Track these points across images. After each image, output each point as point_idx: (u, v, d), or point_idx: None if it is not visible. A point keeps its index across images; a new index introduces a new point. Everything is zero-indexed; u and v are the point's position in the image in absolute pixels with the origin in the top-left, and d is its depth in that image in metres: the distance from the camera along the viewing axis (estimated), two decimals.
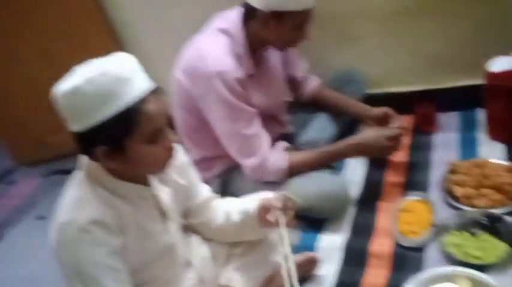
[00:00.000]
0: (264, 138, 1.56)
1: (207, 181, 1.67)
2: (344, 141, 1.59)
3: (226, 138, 1.54)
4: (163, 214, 1.14)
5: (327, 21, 1.96)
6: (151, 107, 0.97)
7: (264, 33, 1.48)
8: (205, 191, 1.33)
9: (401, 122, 1.63)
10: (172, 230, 1.16)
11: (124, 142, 0.96)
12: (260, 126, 1.55)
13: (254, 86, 1.57)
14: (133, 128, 0.96)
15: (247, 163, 1.54)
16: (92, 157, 0.99)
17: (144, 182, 1.09)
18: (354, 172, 1.76)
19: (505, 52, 1.64)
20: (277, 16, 1.43)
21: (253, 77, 1.57)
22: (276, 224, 1.15)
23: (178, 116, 1.67)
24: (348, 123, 1.92)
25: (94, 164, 1.02)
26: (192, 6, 2.07)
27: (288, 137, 1.82)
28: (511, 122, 1.65)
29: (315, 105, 1.89)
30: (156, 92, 0.99)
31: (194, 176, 1.29)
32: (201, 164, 1.70)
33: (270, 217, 1.16)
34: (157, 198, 1.12)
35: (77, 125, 0.96)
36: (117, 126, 0.94)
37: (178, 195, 1.21)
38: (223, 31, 1.51)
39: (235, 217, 1.25)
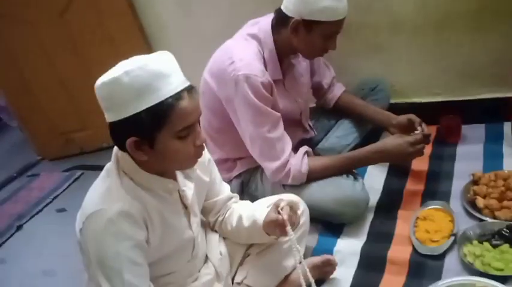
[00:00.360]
0: (287, 142, 1.57)
1: (226, 182, 1.71)
2: (366, 148, 1.59)
3: (250, 141, 1.57)
4: (186, 208, 1.17)
5: (356, 31, 1.98)
6: (184, 103, 0.99)
7: (293, 41, 1.51)
8: (226, 190, 1.35)
9: (426, 128, 1.62)
10: (195, 225, 1.19)
11: (155, 135, 0.99)
12: (283, 130, 1.57)
13: (280, 91, 1.60)
14: (165, 123, 0.98)
15: (270, 166, 1.56)
16: (124, 148, 1.02)
17: (171, 177, 1.12)
18: (374, 179, 1.76)
19: None
20: (308, 25, 1.46)
21: (280, 82, 1.60)
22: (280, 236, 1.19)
23: (203, 117, 1.71)
24: (370, 131, 1.93)
25: (125, 156, 1.05)
26: (222, 12, 2.13)
27: (311, 142, 1.84)
28: None
29: (339, 111, 1.90)
30: (191, 91, 1.02)
31: (217, 174, 1.32)
32: (222, 165, 1.74)
33: (274, 233, 1.19)
34: (182, 192, 1.15)
35: (112, 116, 0.99)
36: (150, 119, 0.97)
37: (201, 191, 1.24)
38: (253, 36, 1.55)
39: (246, 222, 1.27)
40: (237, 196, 1.39)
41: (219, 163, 1.73)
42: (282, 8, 1.50)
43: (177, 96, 0.98)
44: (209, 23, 2.18)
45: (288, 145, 1.57)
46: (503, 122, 1.84)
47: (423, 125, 1.63)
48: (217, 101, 1.58)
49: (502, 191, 1.46)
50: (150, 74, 0.96)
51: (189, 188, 1.17)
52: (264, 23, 1.56)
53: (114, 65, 1.01)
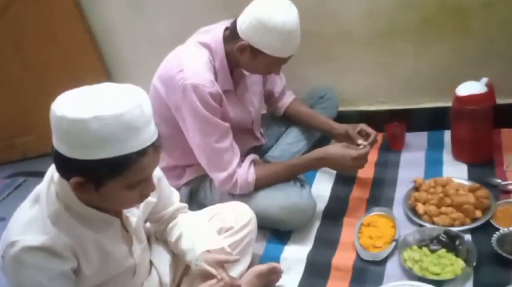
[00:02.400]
0: (235, 153, 1.57)
1: (176, 189, 1.69)
2: (310, 155, 1.61)
3: (198, 150, 1.55)
4: (129, 237, 1.12)
5: (306, 40, 1.98)
6: (147, 159, 0.94)
7: (239, 58, 1.50)
8: (175, 202, 1.33)
9: (372, 135, 1.68)
10: (137, 252, 1.15)
11: (105, 182, 0.93)
12: (232, 141, 1.56)
13: (232, 100, 1.59)
14: (121, 174, 0.92)
15: (217, 176, 1.55)
16: (65, 177, 0.95)
17: (112, 211, 1.06)
18: (322, 186, 1.79)
19: (472, 78, 1.70)
20: (254, 52, 1.45)
21: (231, 92, 1.59)
22: None
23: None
24: (320, 138, 1.96)
25: (63, 182, 0.97)
26: (174, 16, 2.10)
27: (261, 150, 1.85)
28: (474, 143, 1.71)
29: (288, 119, 1.92)
30: (156, 146, 0.96)
31: (166, 190, 1.28)
32: (171, 172, 1.71)
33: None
34: (125, 219, 1.10)
35: (65, 150, 0.91)
36: (106, 168, 0.91)
37: (147, 210, 1.21)
38: (205, 45, 1.53)
39: (184, 243, 1.25)
40: (185, 206, 1.37)
41: (168, 170, 1.71)
42: (237, 23, 1.47)
43: (142, 152, 0.92)
44: (161, 27, 2.15)
45: (236, 155, 1.57)
46: (444, 130, 1.92)
47: (369, 130, 1.69)
48: (166, 108, 1.56)
49: (441, 197, 1.52)
50: (121, 126, 0.88)
51: (133, 215, 1.12)
52: (216, 32, 1.54)
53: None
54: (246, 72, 1.64)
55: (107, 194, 0.95)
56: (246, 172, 1.56)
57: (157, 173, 1.19)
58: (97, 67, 2.28)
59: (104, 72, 2.31)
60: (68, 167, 0.93)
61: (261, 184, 1.57)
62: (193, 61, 1.49)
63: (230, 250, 1.29)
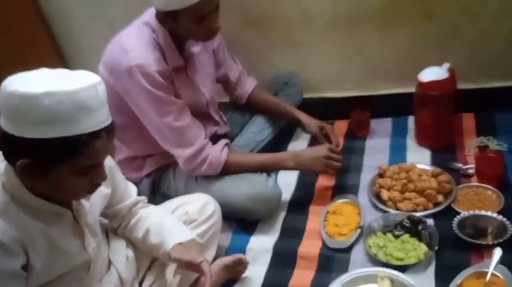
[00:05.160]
0: (199, 128, 1.53)
1: (136, 181, 1.64)
2: (284, 156, 1.60)
3: (157, 132, 1.50)
4: (81, 231, 1.07)
5: (269, 24, 1.98)
6: (100, 143, 0.90)
7: (172, 30, 1.44)
8: (132, 194, 1.28)
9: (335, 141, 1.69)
10: (92, 246, 1.09)
11: (54, 165, 0.88)
12: (191, 117, 1.52)
13: (183, 80, 1.54)
14: (72, 157, 0.88)
15: (183, 153, 1.50)
16: (12, 160, 0.90)
17: (61, 201, 1.00)
18: (288, 174, 1.77)
19: (435, 63, 1.71)
20: (170, 15, 1.39)
21: (182, 70, 1.53)
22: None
23: None
24: (284, 126, 1.94)
25: (10, 169, 0.92)
26: (129, 2, 2.01)
27: (226, 137, 1.81)
28: (437, 129, 1.73)
29: (252, 108, 1.89)
30: (110, 130, 0.92)
31: (121, 180, 1.23)
32: (130, 164, 1.66)
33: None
34: (76, 213, 1.04)
35: (11, 128, 0.86)
36: (56, 149, 0.86)
37: (101, 204, 1.15)
38: (146, 24, 1.48)
39: (153, 238, 1.20)
40: (144, 199, 1.32)
41: (127, 162, 1.66)
42: None
43: (95, 134, 0.88)
44: (115, 12, 2.06)
45: (201, 131, 1.53)
46: (408, 116, 1.93)
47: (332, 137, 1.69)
48: (115, 95, 1.48)
49: (404, 183, 1.53)
50: (75, 104, 0.85)
51: (85, 207, 1.06)
52: (153, 10, 1.47)
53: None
54: (195, 51, 1.58)
55: (55, 180, 0.90)
56: (220, 151, 1.53)
57: (110, 162, 1.14)
58: (52, 55, 2.18)
59: (60, 60, 2.21)
60: (15, 148, 0.88)
61: (229, 169, 1.54)
62: (135, 42, 1.43)
63: (201, 240, 1.26)
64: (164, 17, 1.41)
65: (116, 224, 1.26)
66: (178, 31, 1.45)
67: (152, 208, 1.30)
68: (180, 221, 1.30)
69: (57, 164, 0.88)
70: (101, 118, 0.90)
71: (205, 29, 1.44)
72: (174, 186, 1.63)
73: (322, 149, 1.56)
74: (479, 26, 1.80)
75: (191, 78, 1.59)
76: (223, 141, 1.58)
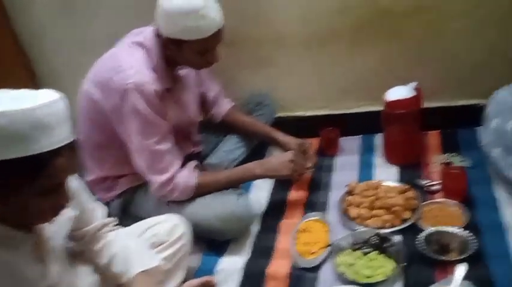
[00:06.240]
0: (176, 155, 1.54)
1: (107, 202, 1.63)
2: (251, 165, 1.62)
3: (136, 153, 1.50)
4: (44, 256, 1.03)
5: (242, 45, 2.01)
6: (61, 161, 0.87)
7: (173, 55, 1.48)
8: (99, 216, 1.25)
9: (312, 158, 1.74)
10: (53, 272, 1.05)
11: (12, 188, 0.85)
12: (173, 143, 1.53)
13: (170, 101, 1.56)
14: (32, 178, 0.85)
15: (156, 179, 1.50)
16: None
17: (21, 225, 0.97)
18: (260, 192, 1.78)
19: (402, 82, 1.76)
20: (176, 43, 1.43)
21: (170, 92, 1.55)
22: None
23: (83, 132, 1.60)
24: (257, 145, 1.96)
25: None
26: (106, 20, 2.03)
27: (198, 157, 1.82)
28: (404, 146, 1.78)
29: (227, 127, 1.90)
30: (72, 147, 0.90)
31: (87, 202, 1.21)
32: (101, 184, 1.65)
33: None
34: (38, 238, 1.01)
35: None
36: (14, 171, 0.83)
37: (66, 227, 1.13)
38: (140, 44, 1.49)
39: (117, 266, 1.17)
40: (113, 221, 1.30)
41: (98, 182, 1.64)
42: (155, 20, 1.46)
43: (55, 152, 0.85)
44: (91, 31, 2.06)
45: (177, 158, 1.53)
46: (376, 134, 1.97)
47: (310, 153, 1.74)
48: (100, 113, 1.49)
49: (372, 200, 1.56)
50: (33, 123, 0.82)
51: (49, 232, 1.03)
52: (149, 32, 1.50)
53: None
54: (182, 73, 1.61)
55: (18, 204, 0.88)
56: (188, 175, 1.53)
57: (75, 183, 1.12)
58: (22, 71, 2.15)
59: (30, 76, 2.18)
60: None
61: (200, 191, 1.55)
62: (132, 60, 1.45)
63: (166, 267, 1.25)
64: (168, 43, 1.44)
65: (82, 248, 1.24)
66: (177, 58, 1.49)
67: (120, 231, 1.28)
68: (148, 244, 1.29)
69: (19, 186, 0.86)
70: (62, 136, 0.88)
71: (205, 60, 1.50)
72: (145, 207, 1.62)
73: (287, 154, 1.60)
74: (443, 45, 1.87)
75: (179, 99, 1.61)
76: (191, 164, 1.58)
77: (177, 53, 1.46)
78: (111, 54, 1.52)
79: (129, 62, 1.44)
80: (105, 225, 1.26)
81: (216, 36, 1.45)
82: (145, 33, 1.51)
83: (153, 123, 1.46)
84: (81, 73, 1.56)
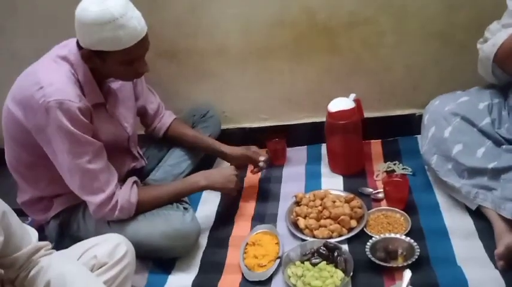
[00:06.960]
0: (113, 173, 1.46)
1: (43, 223, 1.52)
2: (195, 177, 1.60)
3: (68, 174, 1.41)
4: None
5: (183, 57, 1.98)
6: None
7: (97, 67, 1.39)
8: (32, 239, 1.15)
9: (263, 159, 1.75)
10: None
11: None
12: (106, 160, 1.45)
13: (103, 116, 1.48)
14: None
15: (93, 200, 1.42)
16: None
17: None
18: (208, 207, 1.75)
19: (343, 94, 1.80)
20: (99, 55, 1.35)
21: (101, 106, 1.47)
22: None
23: (10, 152, 1.50)
24: (202, 159, 1.92)
25: None
26: (36, 32, 1.93)
27: (142, 172, 1.75)
28: (347, 156, 1.81)
29: (170, 141, 1.85)
30: None
31: (17, 225, 1.11)
32: (37, 205, 1.55)
33: None
34: None
35: None
36: None
37: None
38: (64, 58, 1.40)
39: None
40: (47, 245, 1.20)
41: (33, 202, 1.54)
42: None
43: None
44: (19, 42, 1.95)
45: (114, 175, 1.46)
46: (321, 144, 2.00)
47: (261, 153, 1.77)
48: (25, 132, 1.39)
49: (319, 210, 1.56)
50: None
51: None
52: (73, 45, 1.41)
53: None
54: (115, 86, 1.53)
55: None
56: (128, 193, 1.45)
57: (3, 207, 1.04)
58: None
59: None
60: None
61: (142, 208, 1.48)
62: (53, 76, 1.35)
63: None
64: (90, 56, 1.35)
65: (13, 275, 1.13)
66: (104, 70, 1.40)
67: (55, 255, 1.19)
68: (88, 267, 1.21)
69: None
70: None
71: (133, 71, 1.42)
72: (84, 227, 1.53)
73: (230, 169, 1.63)
74: (379, 57, 1.93)
75: (112, 114, 1.53)
76: (130, 180, 1.51)
77: (101, 65, 1.38)
78: (31, 70, 1.42)
79: (50, 78, 1.35)
80: (38, 250, 1.16)
81: (140, 46, 1.35)
82: (70, 46, 1.42)
83: (82, 142, 1.37)
84: (6, 90, 1.45)
